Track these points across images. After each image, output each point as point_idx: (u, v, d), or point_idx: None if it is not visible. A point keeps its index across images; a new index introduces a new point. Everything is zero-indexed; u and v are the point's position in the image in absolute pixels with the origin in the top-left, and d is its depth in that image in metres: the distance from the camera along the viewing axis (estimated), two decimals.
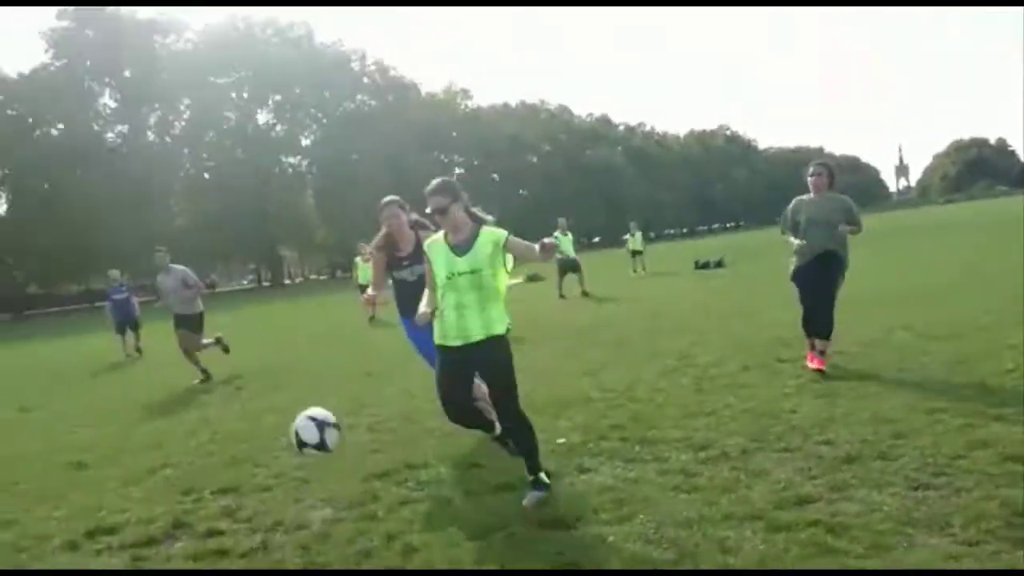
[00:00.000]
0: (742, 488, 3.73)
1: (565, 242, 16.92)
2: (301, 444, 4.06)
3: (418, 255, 4.80)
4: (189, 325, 9.58)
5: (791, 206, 6.33)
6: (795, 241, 6.13)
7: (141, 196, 50.42)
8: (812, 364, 6.01)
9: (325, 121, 62.23)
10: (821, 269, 6.01)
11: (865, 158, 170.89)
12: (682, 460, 4.26)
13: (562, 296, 16.48)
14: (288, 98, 60.46)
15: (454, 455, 4.82)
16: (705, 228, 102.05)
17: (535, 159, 76.84)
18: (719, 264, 20.70)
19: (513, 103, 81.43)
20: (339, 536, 3.64)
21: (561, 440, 4.87)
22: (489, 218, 4.06)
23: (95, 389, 10.38)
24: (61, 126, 53.06)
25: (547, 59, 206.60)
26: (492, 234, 3.91)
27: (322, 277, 74.25)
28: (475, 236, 3.89)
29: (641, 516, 3.50)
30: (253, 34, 58.99)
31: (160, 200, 53.22)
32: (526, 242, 3.92)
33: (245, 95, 59.86)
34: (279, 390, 8.31)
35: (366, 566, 3.27)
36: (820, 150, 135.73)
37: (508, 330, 3.94)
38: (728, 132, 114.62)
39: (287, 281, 69.46)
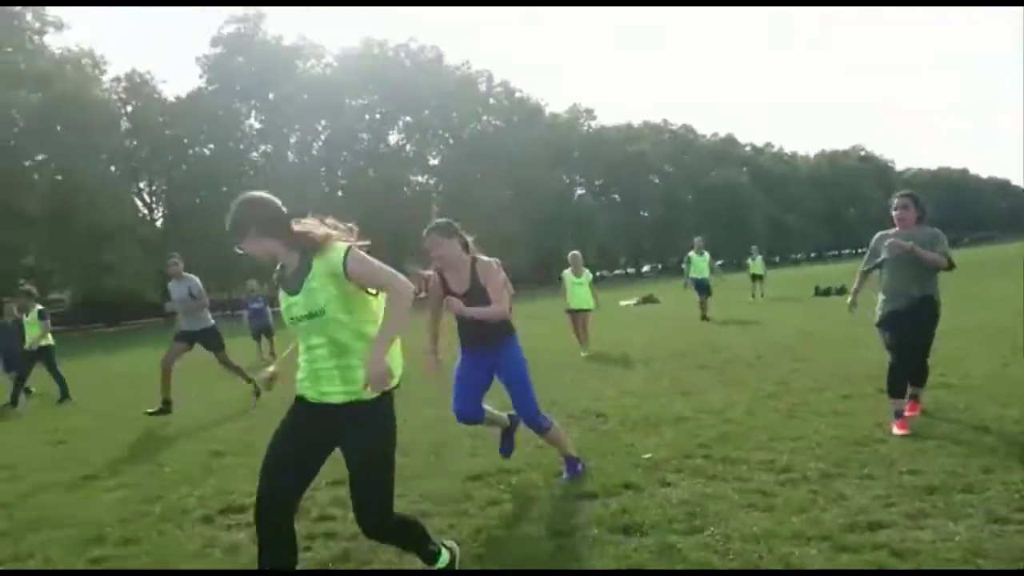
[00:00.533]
0: (816, 510, 3.85)
1: (700, 263, 16.21)
2: None
3: (477, 289, 4.42)
4: (204, 341, 9.20)
5: (873, 241, 5.72)
6: (850, 295, 5.82)
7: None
8: (900, 430, 5.13)
9: (452, 141, 64.28)
10: (913, 318, 5.35)
11: (1016, 180, 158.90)
12: (761, 480, 4.40)
13: (705, 318, 15.72)
14: (417, 119, 62.89)
15: (545, 463, 5.13)
16: (834, 253, 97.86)
17: (657, 180, 76.37)
18: (840, 291, 20.03)
19: (636, 123, 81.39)
20: (433, 527, 4.01)
21: (647, 455, 5.09)
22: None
23: (233, 387, 11.30)
24: (212, 146, 57.27)
25: (672, 79, 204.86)
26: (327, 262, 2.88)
27: None
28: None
29: (712, 528, 3.70)
30: (386, 57, 61.79)
31: (297, 216, 56.24)
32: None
33: (378, 116, 62.73)
34: (399, 394, 8.86)
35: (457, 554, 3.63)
36: (964, 171, 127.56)
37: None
38: (863, 152, 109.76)
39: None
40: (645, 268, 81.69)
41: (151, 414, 8.52)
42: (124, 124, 54.77)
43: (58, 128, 51.38)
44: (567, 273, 11.78)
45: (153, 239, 54.21)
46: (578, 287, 11.59)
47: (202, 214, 54.51)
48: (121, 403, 10.45)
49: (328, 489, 4.97)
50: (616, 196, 75.00)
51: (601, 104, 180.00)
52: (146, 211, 58.01)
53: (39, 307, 11.21)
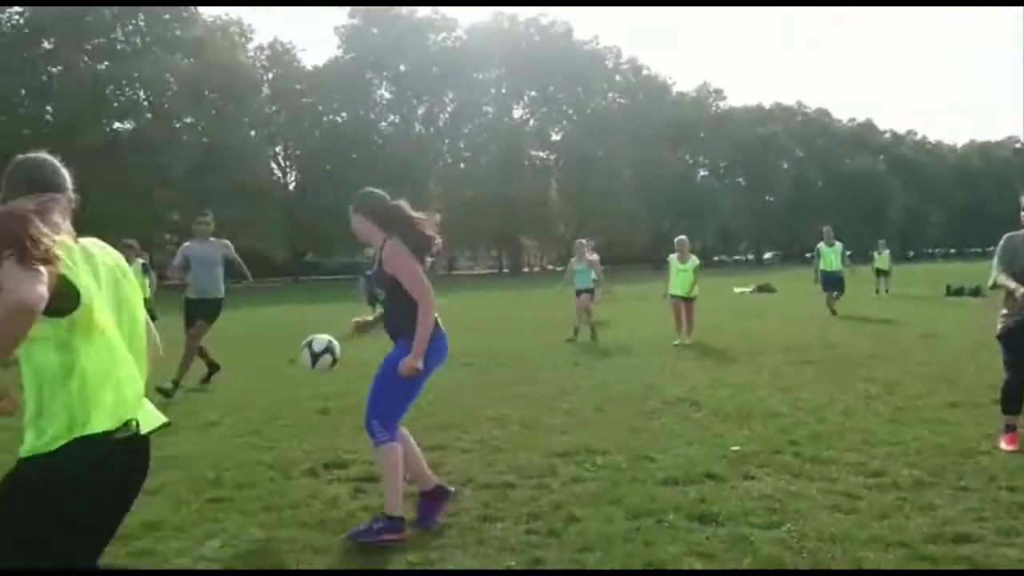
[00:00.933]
0: (900, 517, 3.80)
1: (830, 254, 15.32)
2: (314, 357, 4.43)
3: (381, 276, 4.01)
4: (210, 313, 8.22)
5: (1002, 244, 5.13)
6: (1011, 284, 4.84)
7: (404, 181, 55.18)
8: (1008, 446, 4.91)
9: (575, 117, 64.04)
10: None
11: None
12: (849, 482, 4.35)
13: (833, 313, 14.87)
14: (543, 94, 63.05)
15: (632, 446, 5.23)
16: (977, 250, 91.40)
17: (786, 164, 73.38)
18: (975, 292, 18.77)
19: (768, 104, 78.38)
20: (515, 498, 4.23)
21: (735, 448, 5.10)
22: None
23: (347, 350, 11.88)
24: (344, 114, 59.47)
25: (808, 60, 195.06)
26: None
27: (559, 268, 76.63)
28: None
29: (789, 525, 3.72)
30: (516, 31, 62.07)
31: (419, 186, 57.85)
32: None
33: (504, 90, 63.34)
34: (501, 368, 9.18)
35: (532, 526, 3.81)
36: None
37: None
38: (1018, 144, 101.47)
39: (525, 270, 72.59)
40: (767, 255, 79.00)
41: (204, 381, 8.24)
42: (265, 90, 57.60)
43: (206, 93, 54.72)
44: (673, 258, 11.65)
45: (285, 201, 57.03)
46: (682, 273, 11.42)
47: (331, 180, 56.88)
48: (248, 355, 11.23)
49: (424, 453, 5.26)
50: (741, 179, 72.73)
51: (731, 84, 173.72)
52: (280, 175, 60.93)
53: (141, 261, 11.33)
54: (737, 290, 24.70)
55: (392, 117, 62.04)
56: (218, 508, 4.19)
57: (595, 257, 13.15)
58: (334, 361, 4.56)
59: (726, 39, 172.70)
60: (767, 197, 72.74)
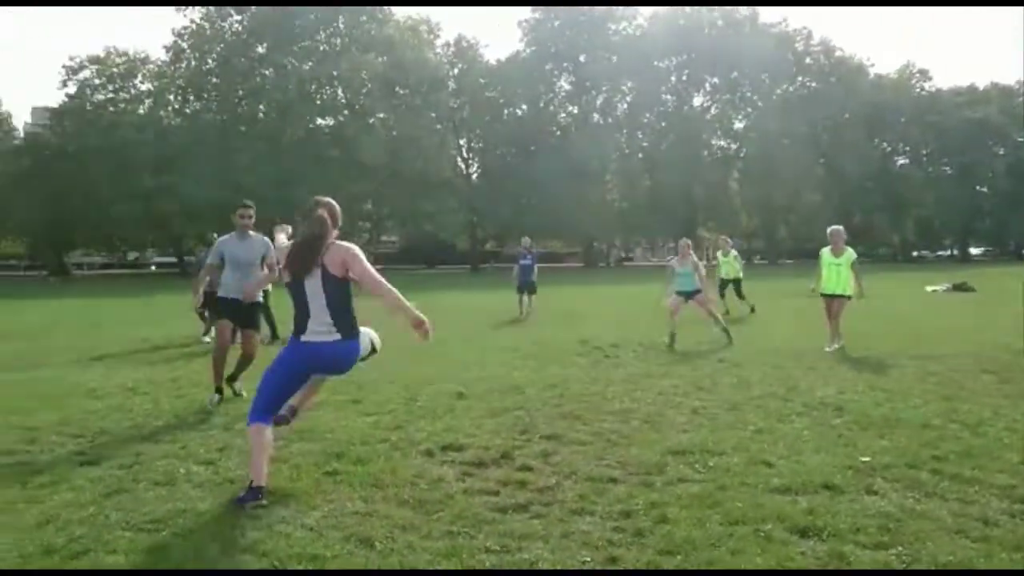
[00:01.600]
0: None
1: None
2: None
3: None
4: (251, 320, 7.22)
5: None
6: None
7: (580, 172, 55.36)
8: None
9: (760, 104, 61.20)
10: None
11: None
12: (988, 507, 3.91)
13: None
14: (725, 81, 60.78)
15: (753, 449, 4.99)
16: None
17: (1002, 151, 65.92)
18: None
19: (982, 85, 70.70)
20: (613, 495, 4.17)
21: (866, 458, 4.73)
22: None
23: (490, 336, 12.20)
24: (524, 107, 60.59)
25: None
26: None
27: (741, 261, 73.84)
28: None
29: (900, 548, 3.41)
30: (698, 17, 60.18)
31: (596, 177, 57.85)
32: None
33: (684, 78, 61.75)
34: (639, 360, 9.04)
35: (621, 524, 3.75)
36: None
37: None
38: None
39: (703, 262, 70.63)
40: (975, 251, 71.58)
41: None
42: (450, 85, 59.83)
43: (397, 89, 57.74)
44: (825, 251, 10.32)
45: (466, 193, 59.00)
46: (834, 268, 10.14)
47: (510, 172, 58.19)
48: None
49: (539, 442, 5.32)
50: (947, 168, 66.26)
51: (938, 64, 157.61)
52: (463, 166, 63.10)
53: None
54: (929, 288, 22.63)
55: (571, 108, 62.40)
56: (332, 481, 4.47)
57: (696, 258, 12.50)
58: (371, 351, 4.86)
59: (932, 15, 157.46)
60: (978, 187, 65.87)
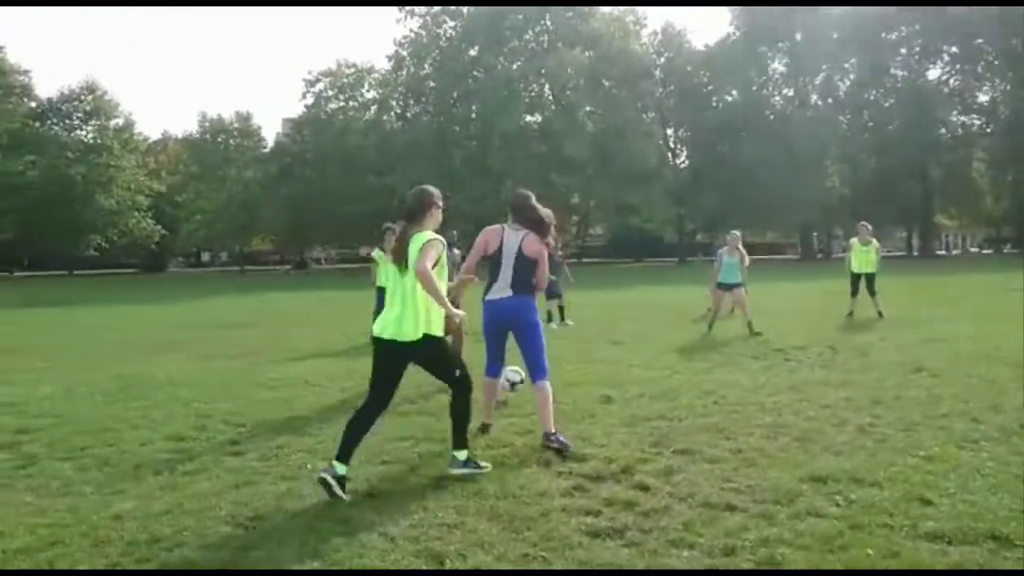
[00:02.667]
0: None
1: None
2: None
3: None
4: None
5: None
6: None
7: (796, 158, 52.05)
8: None
9: (1010, 74, 53.85)
10: None
11: None
12: None
13: None
14: (966, 49, 54.19)
15: (913, 481, 4.26)
16: None
17: None
18: None
19: None
20: (724, 525, 3.71)
21: None
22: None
23: (667, 336, 11.59)
24: (735, 93, 58.02)
25: None
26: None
27: (985, 252, 65.79)
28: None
29: None
30: None
31: (815, 162, 54.11)
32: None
33: (916, 49, 55.92)
34: (822, 368, 8.19)
35: (718, 561, 3.33)
36: None
37: None
38: None
39: (941, 252, 63.75)
40: None
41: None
42: (656, 75, 58.70)
43: (603, 82, 57.58)
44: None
45: (673, 184, 57.61)
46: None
47: (719, 161, 56.00)
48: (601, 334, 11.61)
49: (670, 456, 4.93)
50: None
51: None
52: (670, 157, 61.70)
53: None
54: None
55: (785, 90, 58.87)
56: (435, 486, 4.41)
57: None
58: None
59: None
60: None
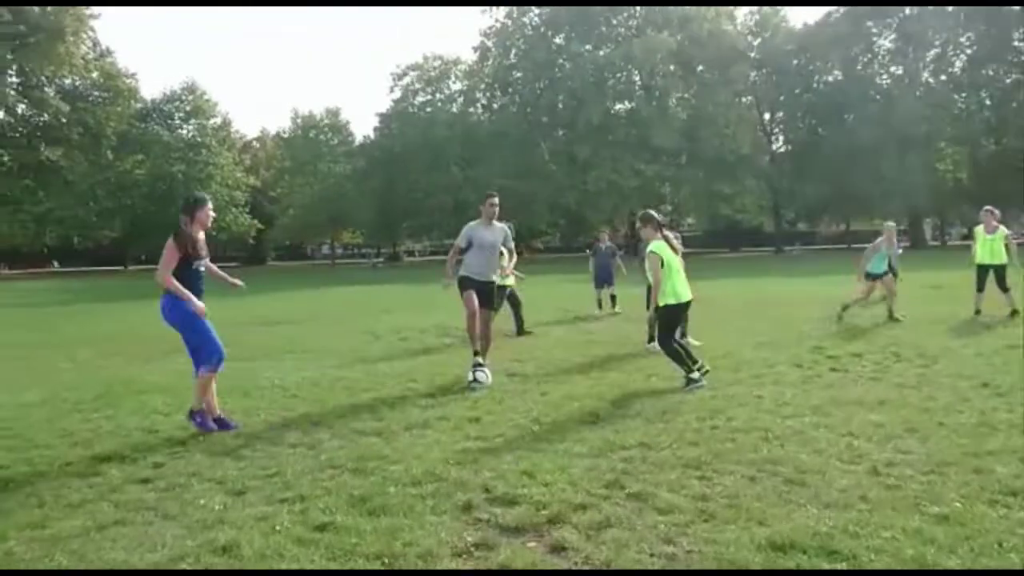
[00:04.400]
0: None
1: None
2: None
3: None
4: (489, 300, 7.89)
5: None
6: None
7: (905, 140, 48.56)
8: None
9: None
10: None
11: None
12: None
13: None
14: None
15: (905, 558, 3.23)
16: None
17: None
18: None
19: None
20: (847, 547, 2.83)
21: None
22: None
23: (714, 335, 10.48)
24: (837, 73, 54.71)
25: None
26: None
27: None
28: None
29: None
30: None
31: (926, 144, 50.36)
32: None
33: None
34: (873, 379, 7.00)
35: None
36: None
37: None
38: None
39: None
40: None
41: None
42: (752, 56, 56.06)
43: (695, 67, 55.49)
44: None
45: (768, 170, 55.00)
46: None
47: (819, 145, 53.02)
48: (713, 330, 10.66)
49: (615, 504, 4.03)
50: None
51: None
52: (765, 142, 58.96)
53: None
54: None
55: (893, 68, 55.05)
56: (324, 538, 3.67)
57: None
58: None
59: None
60: None
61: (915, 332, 10.29)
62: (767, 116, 58.89)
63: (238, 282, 6.33)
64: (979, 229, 12.16)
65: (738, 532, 3.56)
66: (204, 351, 5.77)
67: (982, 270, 11.86)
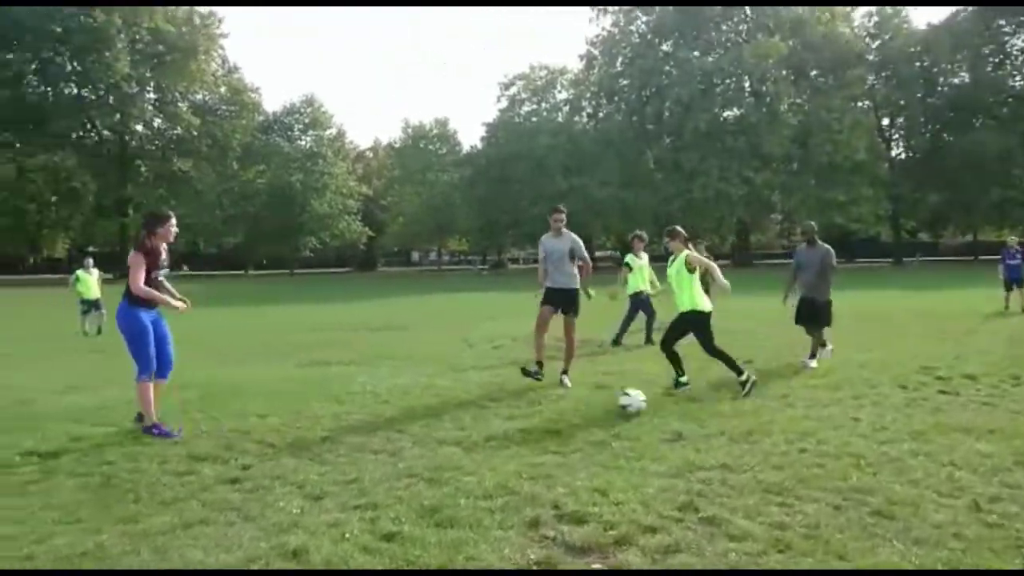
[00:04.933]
0: None
1: None
2: None
3: None
4: (570, 306, 8.19)
5: None
6: None
7: None
8: None
9: None
10: None
11: None
12: None
13: None
14: None
15: None
16: None
17: None
18: None
19: None
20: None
21: None
22: None
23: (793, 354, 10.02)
24: (964, 75, 51.56)
25: None
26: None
27: None
28: None
29: None
30: None
31: None
32: None
33: None
34: (987, 404, 6.53)
35: None
36: None
37: None
38: None
39: None
40: None
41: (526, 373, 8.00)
42: (870, 59, 53.62)
43: (810, 72, 53.55)
44: None
45: (886, 177, 52.39)
46: None
47: (943, 151, 50.13)
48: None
49: (685, 528, 3.91)
50: None
51: None
52: (883, 147, 56.19)
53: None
54: None
55: None
56: (364, 556, 3.74)
57: None
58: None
59: None
60: None
61: None
62: (886, 121, 56.08)
63: (180, 305, 6.28)
64: None
65: (814, 565, 3.39)
66: (139, 362, 6.10)
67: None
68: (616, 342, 11.55)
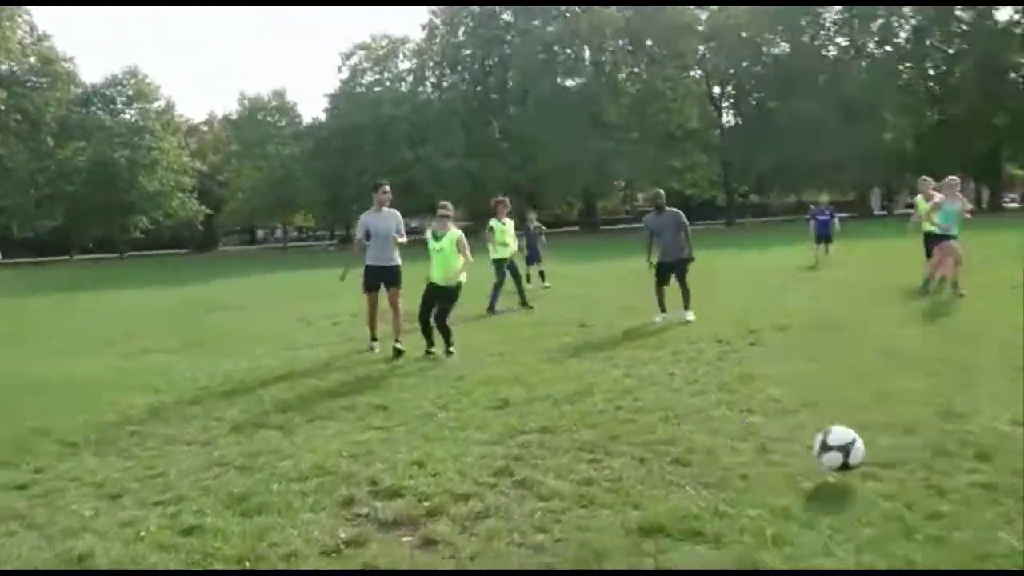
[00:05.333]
0: None
1: None
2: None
3: None
4: (393, 280, 8.52)
5: None
6: None
7: (851, 111, 49.15)
8: None
9: None
10: None
11: None
12: None
13: None
14: None
15: (761, 539, 3.24)
16: None
17: None
18: None
19: None
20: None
21: None
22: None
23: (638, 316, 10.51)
24: (786, 46, 55.00)
25: None
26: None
27: None
28: None
29: None
30: None
31: (871, 113, 51.00)
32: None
33: None
34: (791, 356, 7.06)
35: None
36: None
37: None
38: None
39: (1012, 205, 59.97)
40: None
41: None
42: (700, 30, 56.11)
43: (646, 41, 55.40)
44: None
45: (718, 144, 55.34)
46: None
47: (768, 118, 53.46)
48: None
49: (497, 493, 3.98)
50: None
51: None
52: (715, 116, 59.23)
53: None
54: None
55: (839, 40, 55.57)
56: (186, 540, 3.56)
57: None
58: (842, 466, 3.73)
59: None
60: None
61: (839, 300, 10.43)
62: (717, 90, 59.12)
63: None
64: (919, 199, 12.40)
65: (612, 517, 3.54)
66: None
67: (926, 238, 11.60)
68: (491, 309, 11.59)
